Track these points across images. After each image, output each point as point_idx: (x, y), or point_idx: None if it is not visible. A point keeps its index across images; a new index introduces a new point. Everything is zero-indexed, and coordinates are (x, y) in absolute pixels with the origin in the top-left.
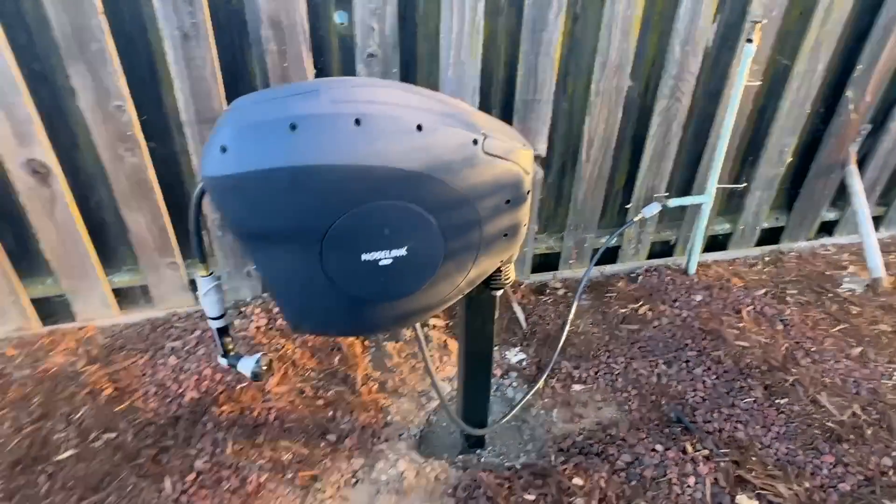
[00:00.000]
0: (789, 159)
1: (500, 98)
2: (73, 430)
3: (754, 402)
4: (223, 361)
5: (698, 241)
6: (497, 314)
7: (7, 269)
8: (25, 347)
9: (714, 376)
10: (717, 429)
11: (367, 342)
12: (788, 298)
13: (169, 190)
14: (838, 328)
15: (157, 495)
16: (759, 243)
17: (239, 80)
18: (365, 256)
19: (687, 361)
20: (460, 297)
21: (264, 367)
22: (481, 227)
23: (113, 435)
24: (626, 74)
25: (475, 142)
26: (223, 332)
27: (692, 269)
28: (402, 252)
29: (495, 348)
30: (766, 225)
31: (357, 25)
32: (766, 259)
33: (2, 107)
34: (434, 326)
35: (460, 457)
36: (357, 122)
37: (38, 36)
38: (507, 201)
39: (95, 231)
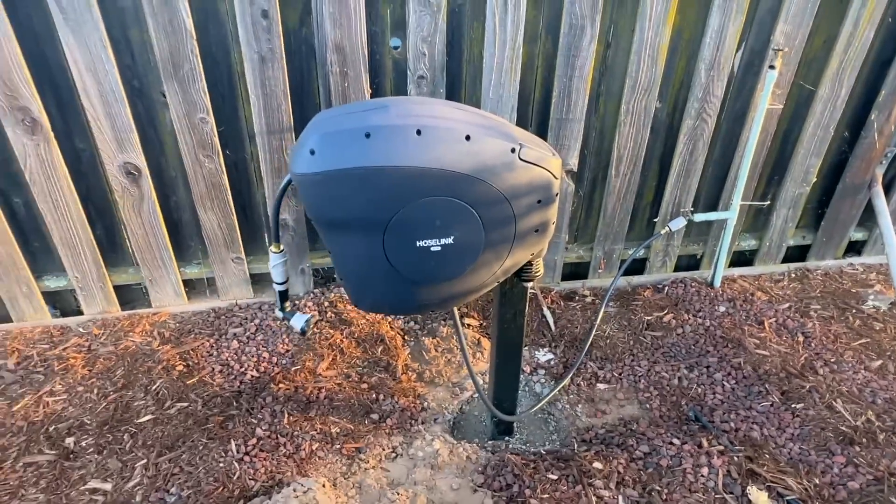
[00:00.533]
0: (814, 179)
1: (535, 116)
2: (150, 399)
3: (771, 405)
4: (279, 314)
5: (723, 255)
6: (527, 307)
7: (98, 258)
8: (108, 328)
9: (733, 381)
10: (733, 428)
11: (406, 336)
12: (812, 313)
13: (237, 192)
14: (859, 342)
15: (224, 455)
16: (787, 261)
17: (304, 97)
18: (419, 243)
19: (707, 367)
20: (496, 284)
21: (311, 325)
22: (516, 222)
23: (185, 404)
24: (654, 96)
25: (513, 150)
26: (284, 294)
27: (717, 282)
28: (450, 241)
29: (525, 348)
30: (792, 243)
31: (409, 50)
32: (792, 276)
33: (107, 117)
34: (469, 326)
35: (490, 442)
36: (418, 132)
37: (140, 57)
38: (539, 201)
39: (172, 227)
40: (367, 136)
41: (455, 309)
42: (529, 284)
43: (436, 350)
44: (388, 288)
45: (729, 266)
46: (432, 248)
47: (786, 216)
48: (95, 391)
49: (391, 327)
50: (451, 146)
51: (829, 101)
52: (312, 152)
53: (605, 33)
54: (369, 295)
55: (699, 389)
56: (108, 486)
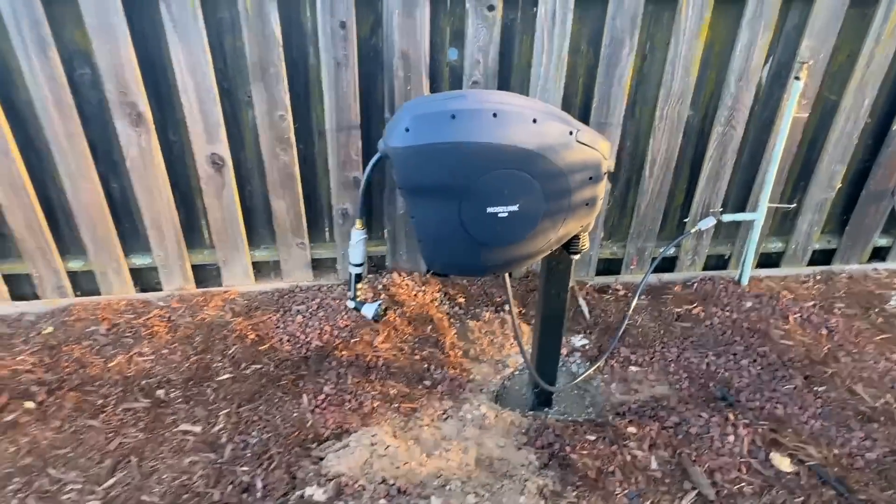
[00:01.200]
0: (839, 185)
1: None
2: (227, 361)
3: (794, 388)
4: (351, 304)
5: (750, 254)
6: (569, 283)
7: (180, 238)
8: (185, 302)
9: (759, 367)
10: (758, 406)
11: (452, 319)
12: (836, 311)
13: (304, 183)
14: (882, 337)
15: (297, 407)
16: (813, 264)
17: (369, 98)
18: (489, 209)
19: (734, 354)
20: (549, 252)
21: (381, 312)
22: (571, 195)
23: (259, 366)
24: (686, 104)
25: (571, 133)
26: (358, 278)
27: (745, 281)
28: (515, 208)
29: None
30: (818, 246)
31: (466, 59)
32: (818, 278)
33: (201, 113)
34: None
35: (530, 412)
36: (494, 115)
37: (231, 62)
38: (590, 178)
39: (245, 214)
40: (453, 117)
41: (507, 275)
42: (576, 257)
43: (480, 332)
44: (460, 249)
45: (756, 267)
46: (500, 215)
47: (811, 220)
48: (178, 353)
49: (439, 310)
50: (520, 127)
51: (853, 111)
52: (407, 130)
53: (643, 46)
54: (442, 256)
55: (726, 374)
56: (197, 429)
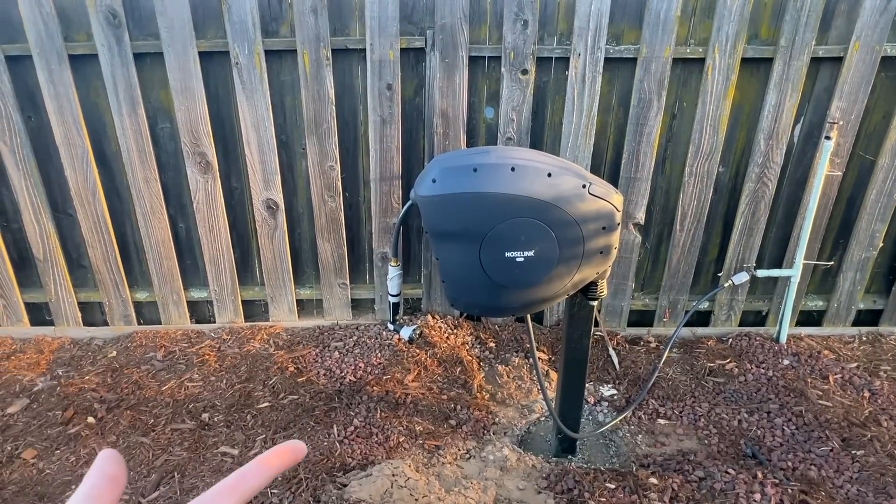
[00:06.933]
0: (881, 244)
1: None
2: (267, 391)
3: (830, 450)
4: (391, 326)
5: (788, 311)
6: (591, 332)
7: (234, 275)
8: (234, 334)
9: (793, 427)
10: (790, 467)
11: (482, 362)
12: (881, 373)
13: (348, 228)
14: None
15: (328, 437)
16: (859, 324)
17: (411, 152)
18: (507, 254)
19: (768, 412)
20: (566, 296)
21: (416, 336)
22: (584, 243)
23: (296, 397)
24: (716, 161)
25: (584, 186)
26: (396, 306)
27: (783, 338)
28: (531, 253)
29: (590, 382)
30: (863, 306)
31: (501, 117)
32: (864, 339)
33: (261, 162)
34: (539, 359)
35: (553, 458)
36: (512, 169)
37: (289, 118)
38: (603, 227)
39: (293, 255)
40: (475, 170)
41: (528, 317)
42: (594, 303)
43: (508, 376)
44: (480, 290)
45: (797, 325)
46: (517, 259)
47: (853, 279)
48: (224, 381)
49: (469, 353)
50: (536, 180)
51: (891, 170)
52: (434, 181)
53: (672, 106)
54: (464, 296)
55: (759, 432)
56: (235, 451)
